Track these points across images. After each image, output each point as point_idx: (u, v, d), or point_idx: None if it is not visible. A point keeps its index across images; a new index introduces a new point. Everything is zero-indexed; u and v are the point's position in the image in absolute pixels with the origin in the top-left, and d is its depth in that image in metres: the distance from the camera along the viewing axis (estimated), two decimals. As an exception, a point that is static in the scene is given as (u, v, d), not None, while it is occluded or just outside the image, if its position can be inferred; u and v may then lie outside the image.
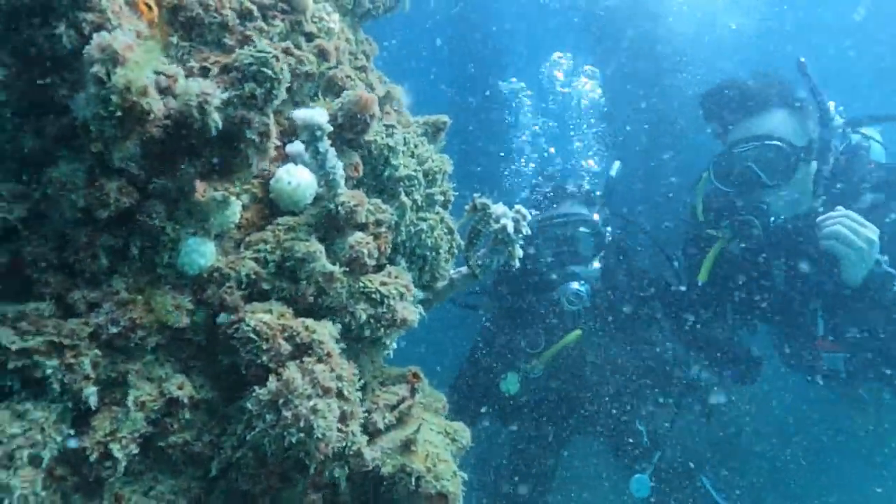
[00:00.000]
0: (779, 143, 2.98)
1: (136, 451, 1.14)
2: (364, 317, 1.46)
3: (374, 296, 1.48)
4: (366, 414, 1.45)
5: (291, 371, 1.21)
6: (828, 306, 3.01)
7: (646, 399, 3.92)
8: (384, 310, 1.48)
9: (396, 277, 1.54)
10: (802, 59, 2.98)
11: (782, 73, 3.21)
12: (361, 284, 1.48)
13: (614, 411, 3.89)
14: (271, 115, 1.28)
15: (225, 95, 1.18)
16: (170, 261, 1.24)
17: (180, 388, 1.20)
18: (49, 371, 1.05)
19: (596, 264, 3.81)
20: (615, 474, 4.34)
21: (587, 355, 3.89)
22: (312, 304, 1.41)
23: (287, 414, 1.17)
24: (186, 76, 1.24)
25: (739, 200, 3.16)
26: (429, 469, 1.38)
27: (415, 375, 1.63)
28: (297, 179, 1.45)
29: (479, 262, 1.81)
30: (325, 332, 1.32)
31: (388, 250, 1.59)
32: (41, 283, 1.13)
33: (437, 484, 1.35)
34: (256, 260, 1.36)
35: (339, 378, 1.31)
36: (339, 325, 1.39)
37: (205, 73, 1.38)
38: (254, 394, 1.20)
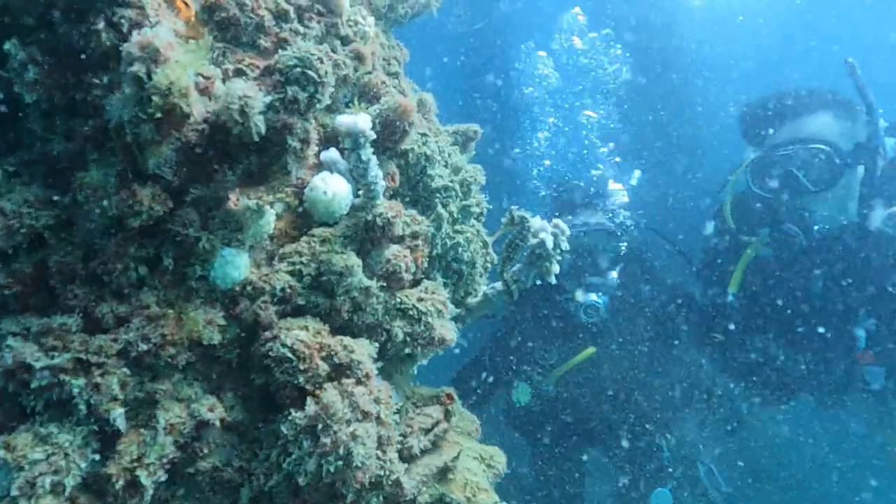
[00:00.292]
0: (824, 146, 2.85)
1: (163, 478, 1.06)
2: (401, 335, 1.38)
3: (411, 312, 1.40)
4: (401, 438, 1.37)
5: (330, 394, 1.13)
6: (873, 318, 2.88)
7: (667, 414, 3.83)
8: (422, 328, 1.40)
9: (433, 293, 1.46)
10: (850, 60, 2.86)
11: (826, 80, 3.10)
12: (398, 300, 1.40)
13: (634, 427, 3.79)
14: (313, 121, 1.21)
15: (267, 99, 1.11)
16: (202, 273, 1.17)
17: (211, 409, 1.12)
18: (76, 391, 0.98)
19: (614, 275, 3.72)
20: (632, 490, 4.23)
21: (604, 370, 3.80)
22: (348, 320, 1.33)
23: (326, 440, 1.09)
24: (222, 79, 1.17)
25: (780, 207, 3.01)
26: (468, 499, 1.30)
27: (449, 396, 1.55)
28: (333, 189, 1.38)
29: (515, 278, 1.74)
30: (364, 351, 1.24)
31: (425, 264, 1.52)
32: (68, 295, 1.06)
33: (478, 515, 1.27)
34: (291, 273, 1.28)
35: (377, 401, 1.24)
36: (376, 344, 1.31)
37: (239, 74, 1.31)
38: (289, 417, 1.12)
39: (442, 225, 1.58)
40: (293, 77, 1.14)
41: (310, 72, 1.13)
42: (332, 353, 1.19)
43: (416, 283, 1.49)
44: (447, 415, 1.53)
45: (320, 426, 1.10)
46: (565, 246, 1.71)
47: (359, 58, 1.57)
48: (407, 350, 1.41)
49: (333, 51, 1.54)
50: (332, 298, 1.30)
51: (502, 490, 1.52)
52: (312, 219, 1.41)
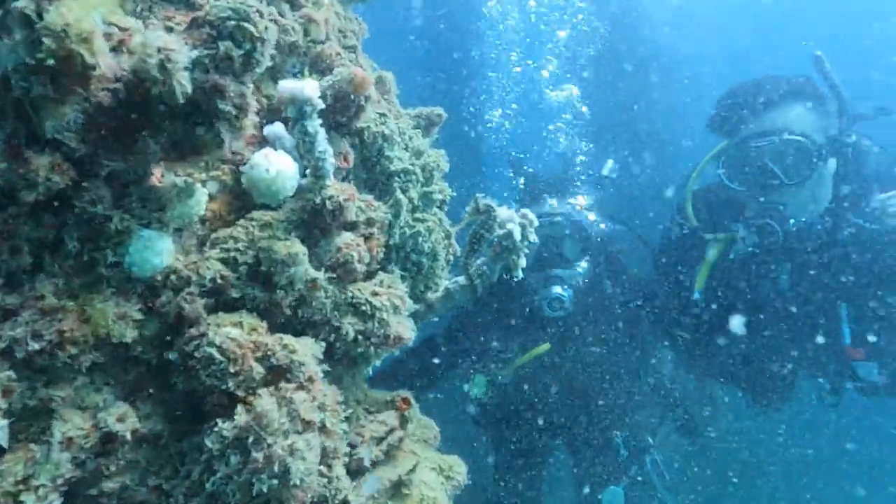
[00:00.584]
0: (800, 138, 2.79)
1: (57, 502, 0.89)
2: (352, 333, 1.23)
3: (363, 308, 1.25)
4: (350, 449, 1.22)
5: (265, 401, 0.97)
6: (854, 312, 2.85)
7: (625, 412, 3.77)
8: (376, 325, 1.25)
9: (390, 287, 1.31)
10: (819, 53, 2.82)
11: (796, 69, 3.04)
12: (350, 294, 1.25)
13: (591, 423, 3.72)
14: (250, 85, 1.04)
15: (194, 54, 0.94)
16: (115, 259, 0.99)
17: (120, 420, 0.95)
18: (-59, 400, 0.80)
19: (581, 267, 3.62)
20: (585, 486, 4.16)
21: (565, 365, 3.71)
22: (291, 316, 1.17)
23: (258, 455, 0.93)
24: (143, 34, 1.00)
25: (751, 202, 2.94)
26: (425, 517, 1.15)
27: (405, 401, 1.41)
28: (276, 167, 1.21)
29: (479, 272, 1.61)
30: (308, 351, 1.08)
31: (381, 255, 1.37)
32: (-60, 282, 0.87)
33: (435, 536, 1.13)
34: (224, 261, 1.12)
35: (322, 408, 1.08)
36: (322, 343, 1.16)
37: (168, 33, 1.14)
38: (216, 428, 0.96)
39: (400, 212, 1.43)
40: (226, 31, 0.98)
41: (246, 25, 0.97)
42: (270, 353, 1.03)
43: (370, 275, 1.34)
44: (403, 421, 1.39)
45: (252, 439, 0.94)
46: (533, 238, 1.58)
47: (310, 24, 1.40)
48: (359, 350, 1.26)
49: (282, 15, 1.37)
50: (273, 291, 1.14)
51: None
52: (252, 201, 1.25)
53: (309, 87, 1.05)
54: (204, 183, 1.20)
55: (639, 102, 5.64)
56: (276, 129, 1.29)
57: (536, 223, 1.59)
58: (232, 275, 1.11)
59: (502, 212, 1.55)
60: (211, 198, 1.21)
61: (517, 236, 1.53)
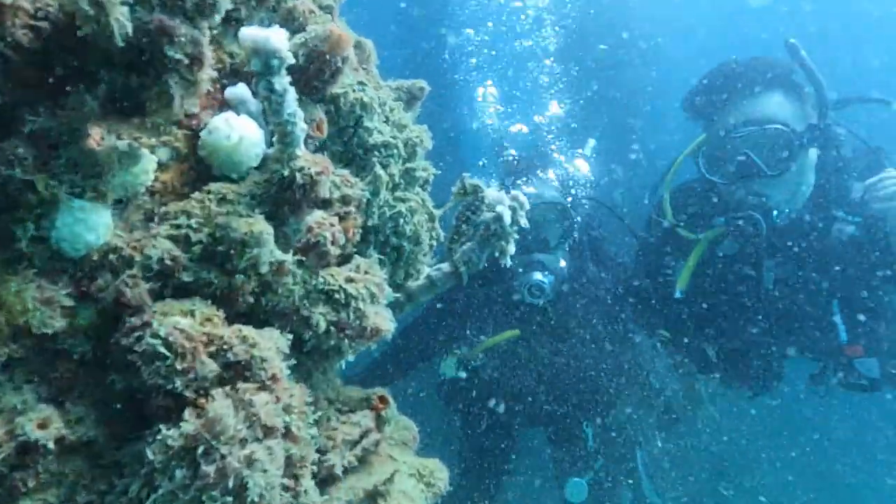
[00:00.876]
0: (781, 127, 2.69)
1: (-40, 527, 0.73)
2: (323, 324, 1.09)
3: (337, 296, 1.11)
4: (319, 455, 1.08)
5: (219, 403, 0.82)
6: (846, 307, 2.80)
7: (597, 402, 3.70)
8: (350, 315, 1.11)
9: (367, 273, 1.17)
10: (792, 40, 2.74)
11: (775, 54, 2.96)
12: (321, 280, 1.11)
13: (559, 411, 3.65)
14: (206, 33, 0.89)
15: (135, -13, 0.78)
16: (38, 234, 0.83)
17: (42, 426, 0.79)
18: None
19: (563, 252, 3.51)
20: (552, 477, 4.10)
21: (543, 352, 3.62)
22: (253, 304, 1.02)
23: (208, 469, 0.79)
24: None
25: (732, 194, 2.86)
26: (403, 533, 1.02)
27: (382, 399, 1.27)
28: (239, 132, 1.06)
29: (465, 259, 1.47)
30: (271, 344, 0.94)
31: (357, 237, 1.22)
32: None
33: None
34: (174, 239, 0.96)
35: (288, 409, 0.94)
36: (289, 335, 1.01)
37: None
38: (159, 436, 0.81)
39: (380, 190, 1.29)
40: (176, -38, 0.82)
41: (200, -44, 0.81)
42: (226, 347, 0.88)
43: (344, 259, 1.20)
44: (380, 422, 1.25)
45: (202, 449, 0.79)
46: (524, 223, 1.45)
47: (280, -26, 1.24)
48: (331, 343, 1.11)
49: (248, -39, 1.21)
50: (232, 275, 0.99)
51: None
52: (210, 171, 1.09)
53: (276, 37, 0.89)
54: (153, 149, 1.03)
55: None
56: (240, 90, 1.14)
57: (528, 206, 1.47)
58: (183, 255, 0.95)
59: (491, 193, 1.42)
60: (162, 166, 1.05)
61: (507, 220, 1.40)
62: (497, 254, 1.48)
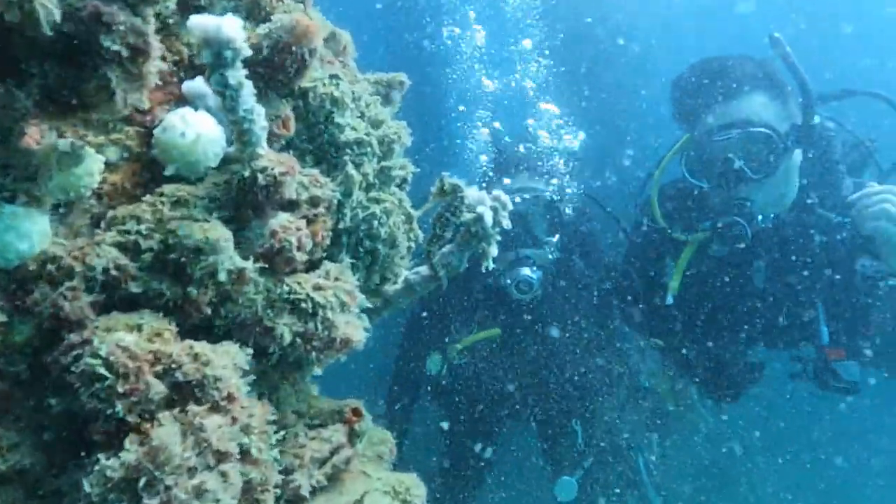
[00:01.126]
0: (765, 129, 2.61)
1: None
2: (288, 335, 1.01)
3: (304, 305, 1.03)
4: (285, 476, 1.01)
5: (165, 429, 0.75)
6: (830, 310, 2.75)
7: (584, 399, 3.66)
8: (318, 325, 1.04)
9: (337, 279, 1.10)
10: (777, 35, 2.67)
11: (756, 52, 2.89)
12: (287, 289, 1.03)
13: (550, 409, 3.60)
14: (151, 21, 0.81)
15: (63, -31, 0.70)
16: (-37, 243, 0.75)
17: (-34, 457, 0.72)
18: None
19: (551, 247, 3.44)
20: (542, 476, 4.06)
21: (530, 349, 3.57)
22: (210, 316, 0.95)
23: (151, 501, 0.72)
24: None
25: (716, 198, 2.80)
26: (374, 559, 0.96)
27: (355, 412, 1.20)
28: (196, 130, 0.98)
29: (445, 262, 1.40)
30: (227, 361, 0.86)
31: (327, 241, 1.15)
32: None
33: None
34: (122, 247, 0.88)
35: (247, 430, 0.87)
36: (249, 350, 0.94)
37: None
38: (98, 466, 0.73)
39: (352, 190, 1.21)
40: (113, -58, 0.74)
41: (139, -65, 0.73)
42: (174, 366, 0.80)
43: (313, 265, 1.12)
44: (352, 436, 1.18)
45: (144, 480, 0.72)
46: (507, 224, 1.38)
47: (244, -41, 1.16)
48: (298, 354, 1.04)
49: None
50: (186, 285, 0.91)
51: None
52: (166, 172, 1.01)
53: (229, 25, 0.81)
54: (101, 148, 0.96)
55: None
56: (199, 84, 1.06)
57: (510, 206, 1.40)
58: (131, 264, 0.88)
59: (471, 193, 1.35)
60: (111, 167, 0.97)
61: (488, 221, 1.33)
62: (479, 257, 1.41)
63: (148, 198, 0.94)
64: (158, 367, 0.80)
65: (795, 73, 2.67)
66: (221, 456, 0.79)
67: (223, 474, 0.79)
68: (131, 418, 0.76)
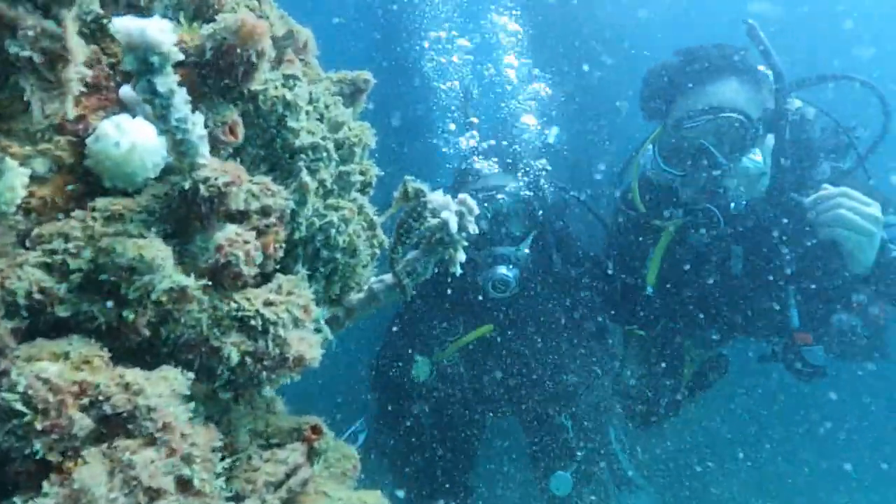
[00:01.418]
0: (736, 115, 2.59)
1: None
2: (236, 356, 0.96)
3: (253, 322, 0.98)
4: (235, 503, 0.96)
5: (89, 469, 0.70)
6: (801, 294, 2.75)
7: (572, 393, 3.64)
8: (269, 344, 0.98)
9: (290, 294, 1.04)
10: (751, 21, 2.65)
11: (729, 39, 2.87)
12: (234, 305, 0.97)
13: (537, 403, 3.58)
14: (69, 23, 0.74)
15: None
16: None
17: None
18: None
19: (527, 244, 3.40)
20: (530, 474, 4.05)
21: (511, 347, 3.54)
22: (149, 338, 0.89)
23: (74, 549, 0.66)
24: None
25: (689, 185, 2.78)
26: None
27: (314, 430, 1.15)
28: (130, 139, 0.92)
29: (409, 269, 1.35)
30: (163, 388, 0.81)
31: (280, 252, 1.09)
32: None
33: None
34: (48, 267, 0.82)
35: (188, 460, 0.81)
36: (191, 374, 0.88)
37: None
38: (16, 510, 0.68)
39: (307, 198, 1.16)
40: (18, -61, 0.67)
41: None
42: (102, 398, 0.75)
43: (265, 278, 1.07)
44: (312, 455, 1.13)
45: (65, 525, 0.66)
46: (473, 228, 1.34)
47: (187, -46, 1.09)
48: (248, 375, 0.99)
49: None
50: (121, 307, 0.85)
51: None
52: (102, 184, 0.95)
53: (154, 28, 0.75)
54: (27, 160, 0.89)
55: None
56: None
57: (477, 211, 1.35)
58: (59, 286, 0.82)
59: (436, 197, 1.30)
60: (39, 180, 0.91)
61: (453, 227, 1.28)
62: (446, 263, 1.37)
63: (78, 213, 0.88)
64: (84, 400, 0.74)
65: (769, 58, 2.65)
66: (154, 494, 0.73)
67: (158, 512, 0.74)
68: (52, 457, 0.70)
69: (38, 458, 0.71)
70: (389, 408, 3.65)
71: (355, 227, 1.25)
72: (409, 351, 3.53)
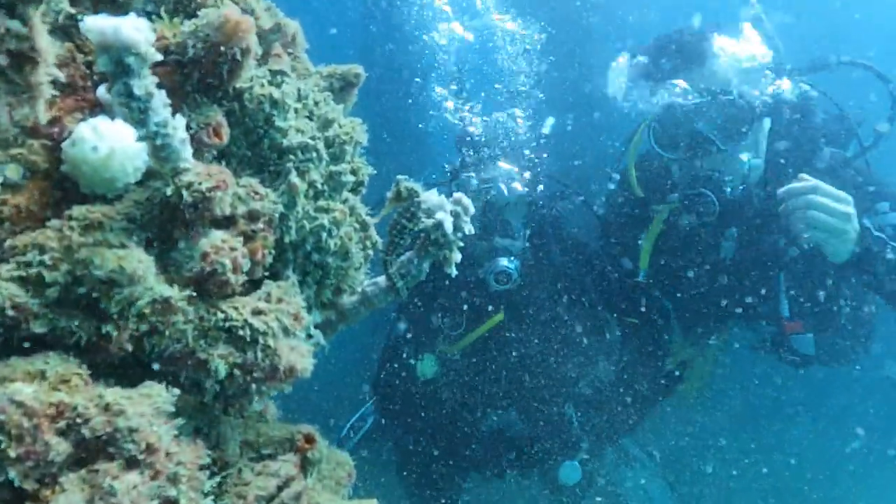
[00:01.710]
0: (731, 97, 2.54)
1: None
2: (224, 368, 0.92)
3: (241, 332, 0.94)
4: (224, 520, 0.92)
5: (67, 496, 0.66)
6: (792, 282, 2.73)
7: (574, 383, 3.64)
8: (258, 355, 0.95)
9: (280, 301, 1.00)
10: (753, 1, 2.62)
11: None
12: (221, 316, 0.94)
13: (543, 395, 3.57)
14: (36, 20, 0.70)
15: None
16: None
17: None
18: None
19: (525, 235, 3.39)
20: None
21: (514, 338, 3.52)
22: (131, 353, 0.85)
23: (52, 582, 0.63)
24: None
25: (684, 169, 2.73)
26: None
27: (308, 439, 1.12)
28: (108, 143, 0.87)
29: (403, 271, 1.32)
30: (145, 407, 0.77)
31: (269, 258, 1.05)
32: None
33: None
34: (22, 280, 0.78)
35: (175, 480, 0.78)
36: (176, 391, 0.85)
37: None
38: (-10, 542, 0.64)
39: (296, 200, 1.11)
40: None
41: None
42: (80, 420, 0.71)
43: (254, 286, 1.03)
44: (306, 466, 1.10)
45: (42, 558, 0.63)
46: (469, 229, 1.30)
47: (167, -53, 1.04)
48: (232, 388, 0.95)
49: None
50: (101, 321, 0.81)
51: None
52: (79, 191, 0.90)
53: (129, 27, 0.71)
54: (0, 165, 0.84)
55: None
56: (114, 90, 0.94)
57: (472, 210, 1.31)
58: (34, 301, 0.77)
59: (430, 197, 1.26)
60: (12, 187, 0.86)
61: (448, 228, 1.24)
62: (441, 264, 1.33)
63: (54, 222, 0.83)
64: (61, 423, 0.70)
65: (769, 40, 2.62)
66: (138, 519, 0.70)
67: (143, 537, 0.70)
68: (28, 485, 0.67)
69: (13, 486, 0.67)
70: (392, 408, 3.63)
71: (347, 229, 1.21)
72: (415, 350, 3.51)
